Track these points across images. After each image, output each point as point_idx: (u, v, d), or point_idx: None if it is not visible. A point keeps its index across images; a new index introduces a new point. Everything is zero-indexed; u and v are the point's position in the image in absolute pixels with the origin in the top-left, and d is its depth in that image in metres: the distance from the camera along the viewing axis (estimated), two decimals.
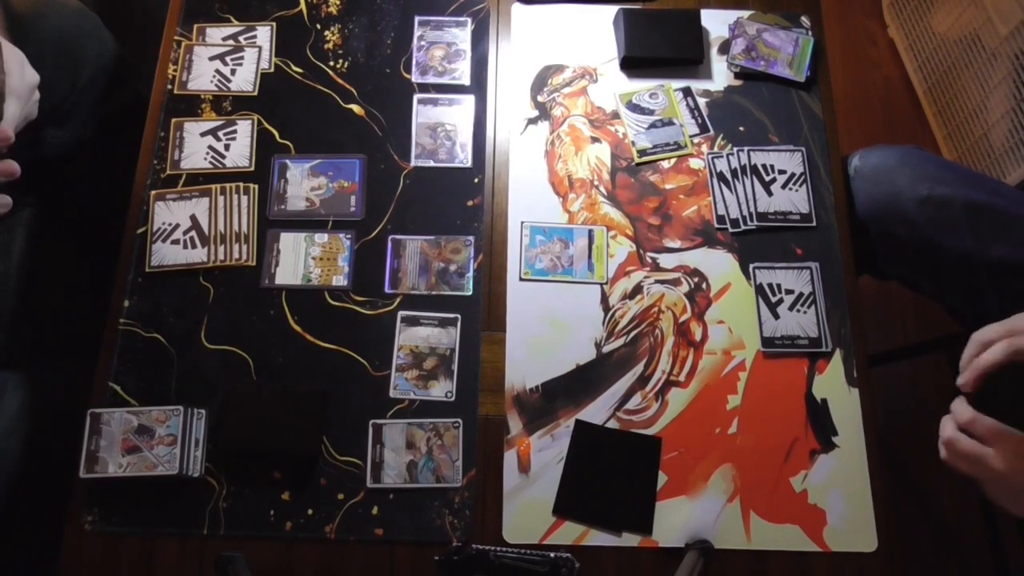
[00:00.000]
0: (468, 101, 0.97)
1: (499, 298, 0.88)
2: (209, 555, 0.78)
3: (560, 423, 0.83)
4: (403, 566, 0.78)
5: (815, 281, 0.88)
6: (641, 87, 0.98)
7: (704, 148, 0.95)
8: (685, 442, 0.82)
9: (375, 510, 0.79)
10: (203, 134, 0.95)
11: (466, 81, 0.99)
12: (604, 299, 0.88)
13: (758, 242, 0.91)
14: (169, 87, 0.97)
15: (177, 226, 0.90)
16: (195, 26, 1.01)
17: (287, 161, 0.94)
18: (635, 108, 0.97)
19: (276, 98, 0.97)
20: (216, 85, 0.98)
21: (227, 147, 0.94)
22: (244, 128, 0.95)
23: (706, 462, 0.81)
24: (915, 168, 0.91)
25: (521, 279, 0.89)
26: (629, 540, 0.79)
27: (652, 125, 0.96)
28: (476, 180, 0.93)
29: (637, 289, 0.88)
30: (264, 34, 1.00)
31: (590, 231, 0.91)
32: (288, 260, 0.89)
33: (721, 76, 0.99)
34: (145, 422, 0.79)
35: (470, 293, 0.88)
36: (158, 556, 0.78)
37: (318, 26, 1.01)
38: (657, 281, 0.89)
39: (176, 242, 0.89)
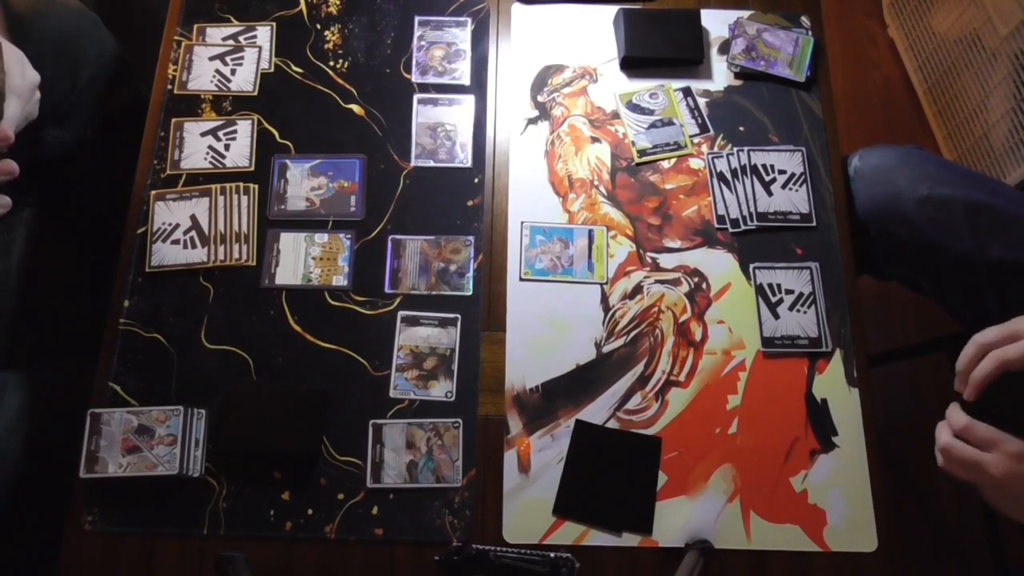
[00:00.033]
0: (468, 101, 0.97)
1: (499, 298, 0.88)
2: (209, 555, 0.78)
3: (560, 423, 0.83)
4: (403, 566, 0.78)
5: (815, 281, 0.88)
6: (641, 87, 0.98)
7: (704, 148, 0.95)
8: (685, 442, 0.82)
9: (375, 510, 0.79)
10: (203, 134, 0.95)
11: (466, 81, 0.99)
12: (604, 299, 0.88)
13: (758, 242, 0.91)
14: (169, 87, 0.97)
15: (177, 226, 0.90)
16: (195, 26, 1.01)
17: (287, 161, 0.94)
18: (635, 108, 0.97)
19: (276, 98, 0.97)
20: (216, 85, 0.98)
21: (227, 147, 0.94)
22: (244, 128, 0.95)
23: (706, 462, 0.81)
24: (915, 168, 0.91)
25: (521, 279, 0.89)
26: (629, 540, 0.79)
27: (652, 125, 0.96)
28: (476, 180, 0.93)
29: (637, 289, 0.88)
30: (264, 34, 1.00)
31: (590, 231, 0.91)
32: (288, 260, 0.89)
33: (721, 76, 0.99)
34: (145, 422, 0.79)
35: (470, 293, 0.88)
36: (158, 556, 0.78)
37: (318, 26, 1.01)
38: (657, 281, 0.89)
39: (176, 242, 0.89)
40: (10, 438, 0.84)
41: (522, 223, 0.91)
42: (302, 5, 1.02)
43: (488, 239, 0.91)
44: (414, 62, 0.99)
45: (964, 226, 0.86)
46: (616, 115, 0.97)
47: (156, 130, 0.95)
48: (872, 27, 1.81)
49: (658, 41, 0.99)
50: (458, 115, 0.97)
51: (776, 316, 0.87)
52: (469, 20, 1.02)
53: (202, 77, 0.98)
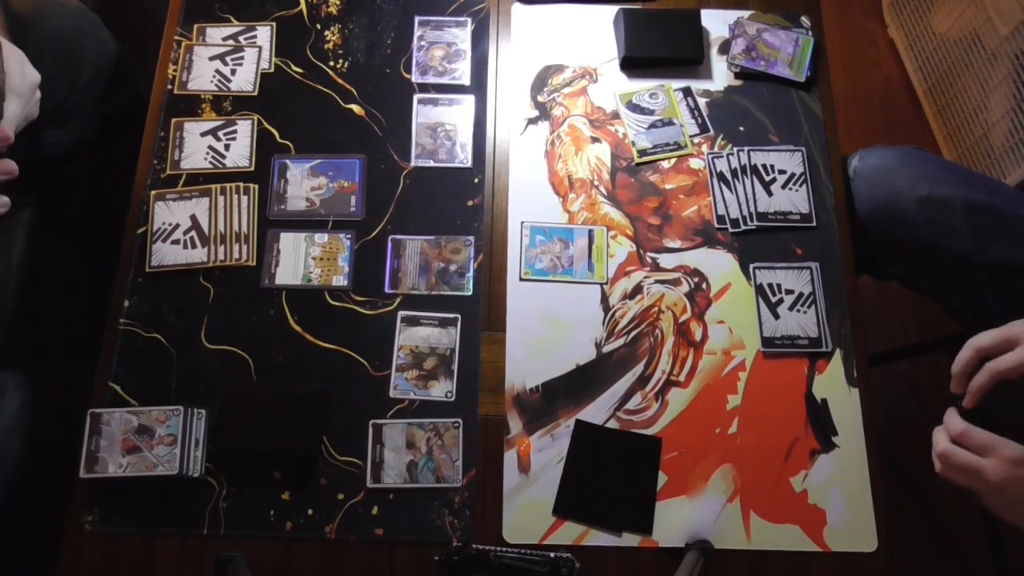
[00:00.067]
0: (468, 101, 0.97)
1: (499, 298, 0.88)
2: (209, 555, 0.78)
3: (560, 423, 0.83)
4: (403, 566, 0.78)
5: (815, 281, 0.88)
6: (641, 87, 0.98)
7: (704, 148, 0.95)
8: (685, 442, 0.82)
9: (375, 510, 0.79)
10: (203, 134, 0.95)
11: (466, 81, 0.99)
12: (604, 299, 0.88)
13: (758, 242, 0.91)
14: (169, 87, 0.97)
15: (177, 226, 0.90)
16: (195, 26, 1.01)
17: (287, 161, 0.94)
18: (635, 108, 0.97)
19: (276, 98, 0.97)
20: (216, 85, 0.98)
21: (227, 147, 0.94)
22: (244, 128, 0.95)
23: (706, 462, 0.81)
24: (915, 168, 0.91)
25: (521, 279, 0.89)
26: (629, 540, 0.79)
27: (652, 125, 0.96)
28: (476, 180, 0.93)
29: (637, 289, 0.88)
30: (264, 34, 1.00)
31: (590, 231, 0.91)
32: (288, 260, 0.89)
33: (721, 76, 0.99)
34: (145, 422, 0.79)
35: (470, 293, 0.88)
36: (158, 556, 0.78)
37: (318, 26, 1.01)
38: (657, 281, 0.89)
39: (176, 242, 0.89)
40: (10, 438, 0.84)
41: (522, 223, 0.91)
42: (302, 5, 1.02)
43: (488, 239, 0.91)
44: (414, 62, 0.99)
45: (964, 226, 0.86)
46: (616, 115, 0.97)
47: (156, 130, 0.95)
48: (872, 27, 1.81)
49: (658, 41, 0.99)
50: (458, 115, 0.97)
51: (776, 316, 0.87)
52: (469, 20, 1.02)
53: (202, 77, 0.98)
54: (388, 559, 0.78)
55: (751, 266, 0.89)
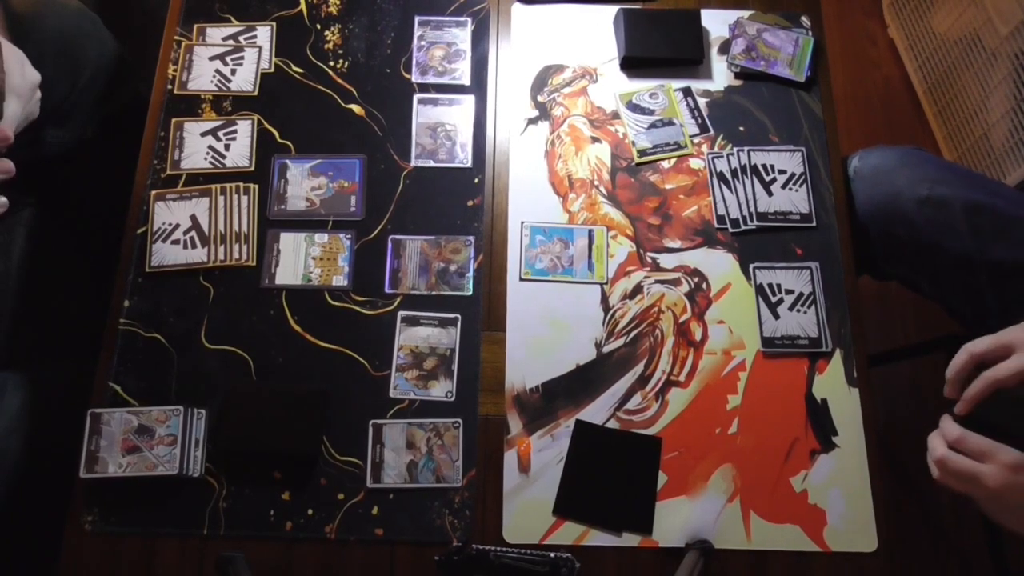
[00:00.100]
0: (468, 101, 0.97)
1: (499, 298, 0.88)
2: (209, 555, 0.78)
3: (560, 423, 0.83)
4: (403, 566, 0.78)
5: (815, 281, 0.88)
6: (641, 87, 0.98)
7: (704, 148, 0.95)
8: (685, 442, 0.82)
9: (375, 510, 0.79)
10: (203, 134, 0.95)
11: (466, 81, 0.99)
12: (604, 299, 0.88)
13: (758, 242, 0.91)
14: (169, 87, 0.97)
15: (177, 226, 0.90)
16: (195, 26, 1.01)
17: (287, 161, 0.94)
18: (635, 108, 0.97)
19: (276, 98, 0.97)
20: (216, 85, 0.98)
21: (227, 147, 0.94)
22: (244, 128, 0.95)
23: (706, 462, 0.81)
24: (915, 169, 0.91)
25: (521, 279, 0.89)
26: (629, 540, 0.79)
27: (652, 125, 0.96)
28: (476, 180, 0.93)
29: (637, 289, 0.88)
30: (264, 34, 1.00)
31: (590, 231, 0.91)
32: (288, 260, 0.89)
33: (721, 76, 0.99)
34: (145, 422, 0.79)
35: (470, 293, 0.88)
36: (158, 556, 0.78)
37: (318, 26, 1.01)
38: (657, 281, 0.89)
39: (176, 242, 0.89)
40: (10, 438, 0.84)
41: (522, 223, 0.91)
42: (302, 5, 1.02)
43: (488, 239, 0.91)
44: (414, 62, 0.99)
45: (964, 226, 0.86)
46: (616, 115, 0.97)
47: (156, 130, 0.95)
48: (872, 27, 1.81)
49: (658, 41, 0.99)
50: (458, 115, 0.97)
51: (776, 316, 0.87)
52: (469, 20, 1.02)
53: (202, 77, 0.98)
54: (388, 559, 0.78)
55: (751, 266, 0.89)
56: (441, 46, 1.00)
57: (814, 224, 0.91)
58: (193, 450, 0.80)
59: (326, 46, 1.00)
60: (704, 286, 0.89)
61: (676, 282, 0.89)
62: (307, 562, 0.78)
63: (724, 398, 0.84)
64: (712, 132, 0.96)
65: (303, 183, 0.93)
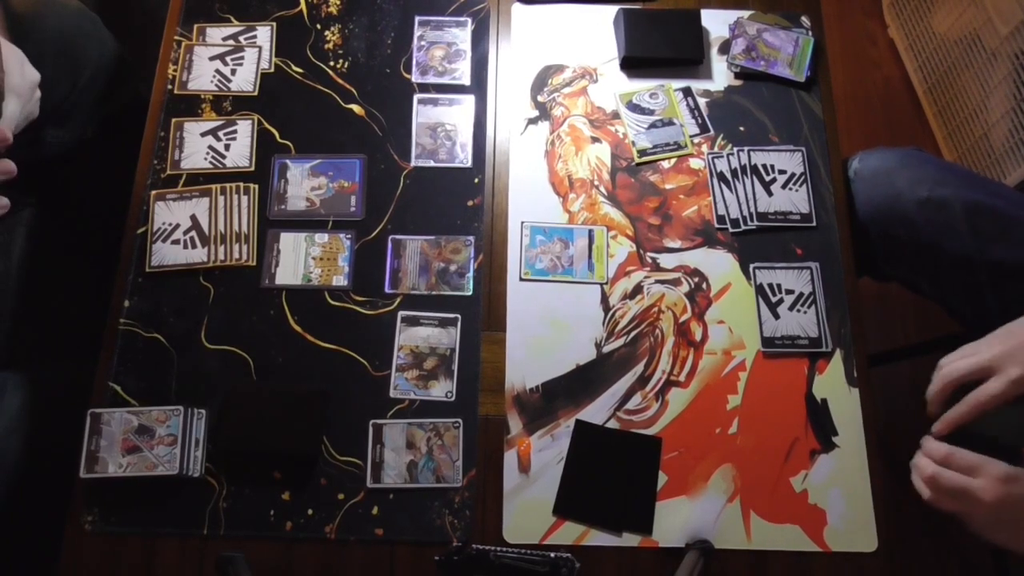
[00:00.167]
0: (468, 101, 0.97)
1: (499, 298, 0.88)
2: (209, 555, 0.78)
3: (560, 423, 0.83)
4: (403, 566, 0.78)
5: (815, 281, 0.88)
6: (641, 87, 0.98)
7: (704, 148, 0.95)
8: (685, 442, 0.82)
9: (375, 510, 0.79)
10: (203, 134, 0.95)
11: (466, 81, 0.99)
12: (604, 299, 0.88)
13: (758, 242, 0.91)
14: (169, 87, 0.97)
15: (177, 226, 0.90)
16: (195, 26, 1.01)
17: (287, 161, 0.94)
18: (635, 108, 0.97)
19: (276, 98, 0.97)
20: (216, 85, 0.98)
21: (227, 147, 0.94)
22: (244, 128, 0.95)
23: (706, 462, 0.81)
24: (915, 170, 0.91)
25: (521, 279, 0.89)
26: (629, 540, 0.79)
27: (652, 125, 0.96)
28: (476, 180, 0.93)
29: (637, 289, 0.88)
30: (264, 34, 1.00)
31: (590, 231, 0.91)
32: (288, 260, 0.89)
33: (721, 76, 0.99)
34: (145, 422, 0.78)
35: (470, 293, 0.88)
36: (158, 556, 0.78)
37: (318, 26, 1.01)
38: (657, 281, 0.89)
39: (176, 242, 0.89)
40: (10, 438, 0.84)
41: (522, 223, 0.91)
42: (302, 5, 1.02)
43: (488, 239, 0.91)
44: (414, 62, 0.99)
45: (964, 227, 0.86)
46: (616, 115, 0.97)
47: (156, 130, 0.95)
48: (872, 27, 1.81)
49: (658, 41, 0.99)
50: (458, 115, 0.97)
51: (776, 316, 0.87)
52: (469, 20, 1.02)
53: (202, 77, 0.98)
54: (388, 559, 0.78)
55: (751, 266, 0.89)
56: (441, 46, 1.00)
57: (814, 224, 0.91)
58: (193, 450, 0.80)
59: (326, 46, 1.00)
60: (704, 286, 0.89)
61: (676, 282, 0.89)
62: (307, 562, 0.78)
63: (724, 398, 0.84)
64: (712, 132, 0.96)
65: (303, 183, 0.93)
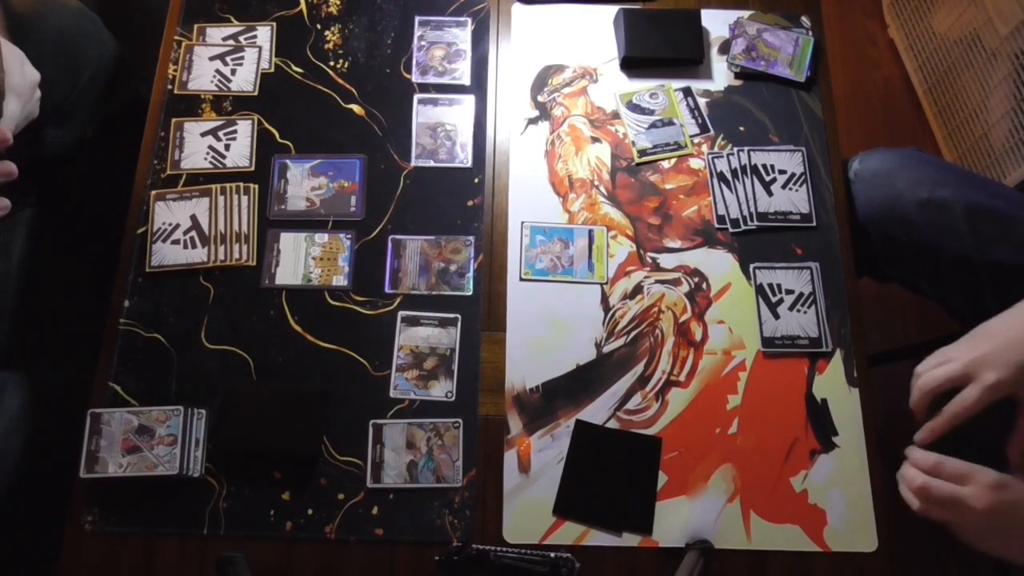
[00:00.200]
0: (468, 101, 0.97)
1: (499, 298, 0.88)
2: (209, 555, 0.78)
3: (560, 423, 0.83)
4: (403, 566, 0.78)
5: (815, 281, 0.88)
6: (641, 87, 0.98)
7: (704, 148, 0.95)
8: (685, 442, 0.82)
9: (375, 510, 0.79)
10: (203, 134, 0.95)
11: (466, 81, 0.98)
12: (604, 299, 0.88)
13: (758, 242, 0.91)
14: (169, 87, 0.97)
15: (177, 226, 0.90)
16: (195, 26, 1.01)
17: (287, 161, 0.94)
18: (635, 108, 0.97)
19: (276, 98, 0.97)
20: (216, 85, 0.97)
21: (227, 147, 0.94)
22: (244, 128, 0.95)
23: (706, 462, 0.81)
24: (915, 171, 0.91)
25: (521, 279, 0.89)
26: (629, 540, 0.79)
27: (652, 125, 0.96)
28: (476, 180, 0.93)
29: (637, 289, 0.88)
30: (264, 34, 1.00)
31: (590, 231, 0.91)
32: (288, 260, 0.89)
33: (721, 76, 0.99)
34: (145, 422, 0.78)
35: (470, 293, 0.88)
36: (158, 556, 0.78)
37: (318, 26, 1.01)
38: (657, 281, 0.89)
39: (176, 242, 0.89)
40: (10, 438, 0.84)
41: (522, 223, 0.91)
42: (302, 5, 1.02)
43: (488, 239, 0.91)
44: (414, 62, 0.99)
45: (964, 228, 0.86)
46: (616, 115, 0.97)
47: (156, 130, 0.95)
48: (872, 27, 1.81)
49: (658, 41, 0.99)
50: (458, 115, 0.97)
51: (776, 316, 0.87)
52: (469, 20, 1.02)
53: (202, 77, 0.98)
54: (388, 559, 0.78)
55: (751, 266, 0.89)
56: (441, 46, 1.00)
57: (814, 224, 0.91)
58: (193, 450, 0.80)
59: (326, 46, 1.00)
60: (704, 286, 0.89)
61: (676, 282, 0.89)
62: (307, 562, 0.78)
63: (724, 398, 0.84)
64: (712, 132, 0.96)
65: (303, 183, 0.93)
